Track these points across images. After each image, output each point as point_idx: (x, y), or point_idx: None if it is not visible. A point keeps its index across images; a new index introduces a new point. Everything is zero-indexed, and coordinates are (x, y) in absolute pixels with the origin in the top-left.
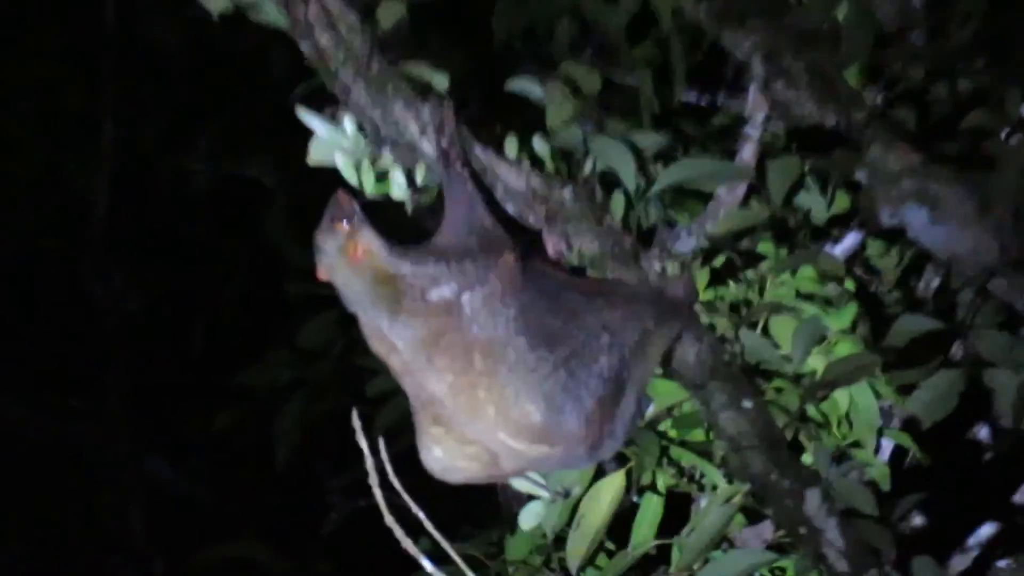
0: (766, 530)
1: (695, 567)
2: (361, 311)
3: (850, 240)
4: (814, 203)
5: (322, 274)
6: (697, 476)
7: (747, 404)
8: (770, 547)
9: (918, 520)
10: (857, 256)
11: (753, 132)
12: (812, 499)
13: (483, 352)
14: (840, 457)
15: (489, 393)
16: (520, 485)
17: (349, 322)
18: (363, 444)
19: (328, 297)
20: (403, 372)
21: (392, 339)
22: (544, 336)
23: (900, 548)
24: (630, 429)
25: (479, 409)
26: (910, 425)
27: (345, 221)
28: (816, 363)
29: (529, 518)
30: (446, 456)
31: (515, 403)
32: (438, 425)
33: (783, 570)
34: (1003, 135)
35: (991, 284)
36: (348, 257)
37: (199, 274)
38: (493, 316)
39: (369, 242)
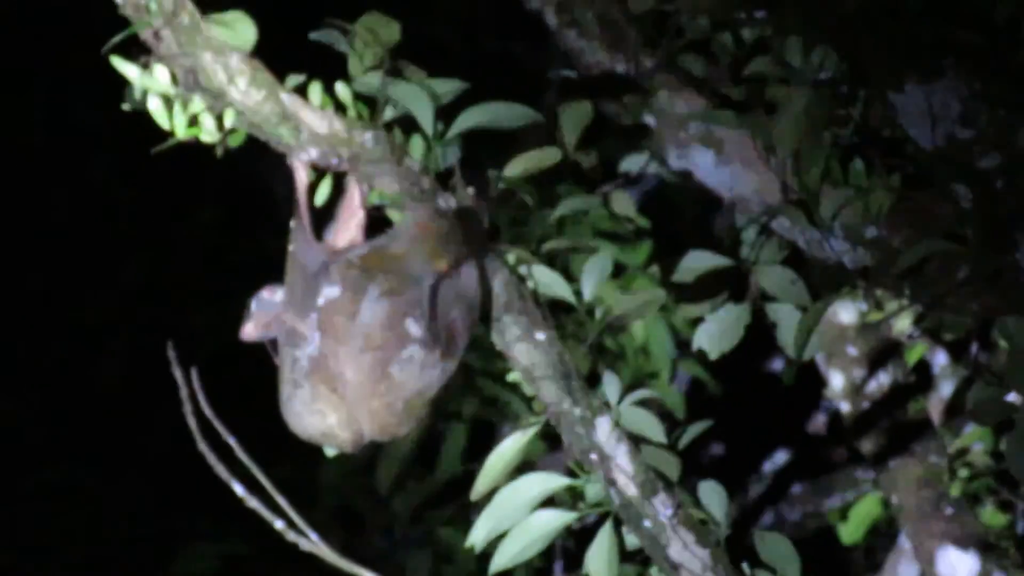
0: (566, 456)
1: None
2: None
3: (647, 182)
4: (609, 146)
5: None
6: (500, 405)
7: (540, 336)
8: (569, 472)
9: (716, 449)
10: (655, 197)
11: (553, 80)
12: (602, 427)
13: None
14: (635, 387)
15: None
16: None
17: (169, 259)
18: (177, 375)
19: (151, 237)
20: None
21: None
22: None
23: (695, 475)
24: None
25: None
26: (703, 357)
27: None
28: (611, 299)
29: None
30: (336, 424)
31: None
32: (335, 395)
33: (582, 494)
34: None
35: (774, 222)
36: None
37: (29, 216)
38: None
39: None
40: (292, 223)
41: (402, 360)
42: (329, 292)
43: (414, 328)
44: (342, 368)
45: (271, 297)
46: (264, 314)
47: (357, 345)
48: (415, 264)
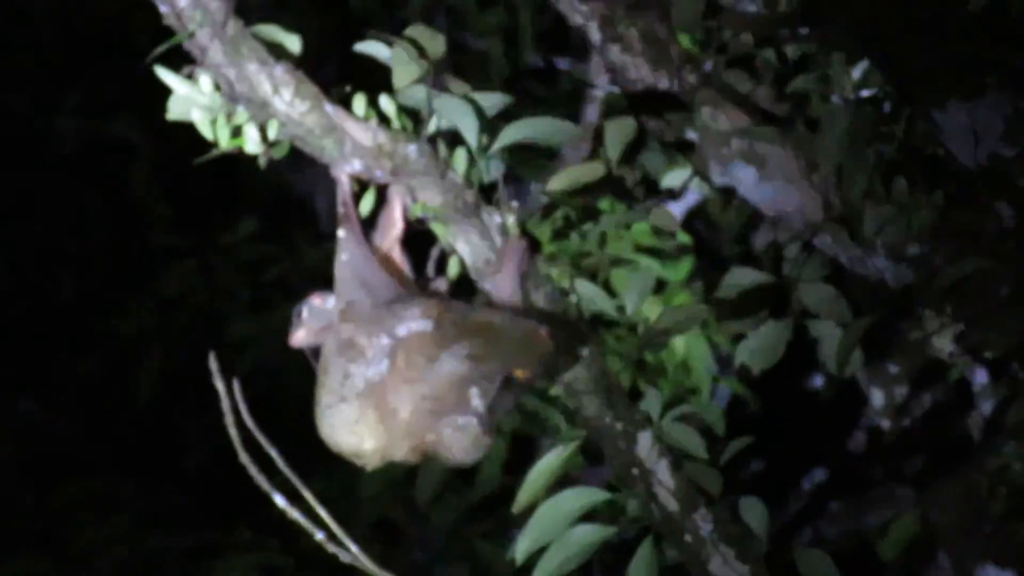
0: (607, 471)
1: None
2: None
3: (690, 197)
4: (653, 161)
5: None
6: (541, 419)
7: (582, 351)
8: (609, 487)
9: (755, 465)
10: (698, 213)
11: (595, 94)
12: (644, 441)
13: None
14: (676, 403)
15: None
16: None
17: (208, 271)
18: (219, 386)
19: (189, 248)
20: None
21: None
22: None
23: (735, 491)
24: None
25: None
26: (744, 374)
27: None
28: (653, 313)
29: None
30: (371, 450)
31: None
32: (381, 424)
33: (622, 508)
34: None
35: (816, 239)
36: None
37: (67, 228)
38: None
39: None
40: (341, 232)
41: (457, 424)
42: (416, 327)
43: (477, 402)
44: (400, 404)
45: (323, 304)
46: (316, 321)
47: (424, 390)
48: (508, 354)
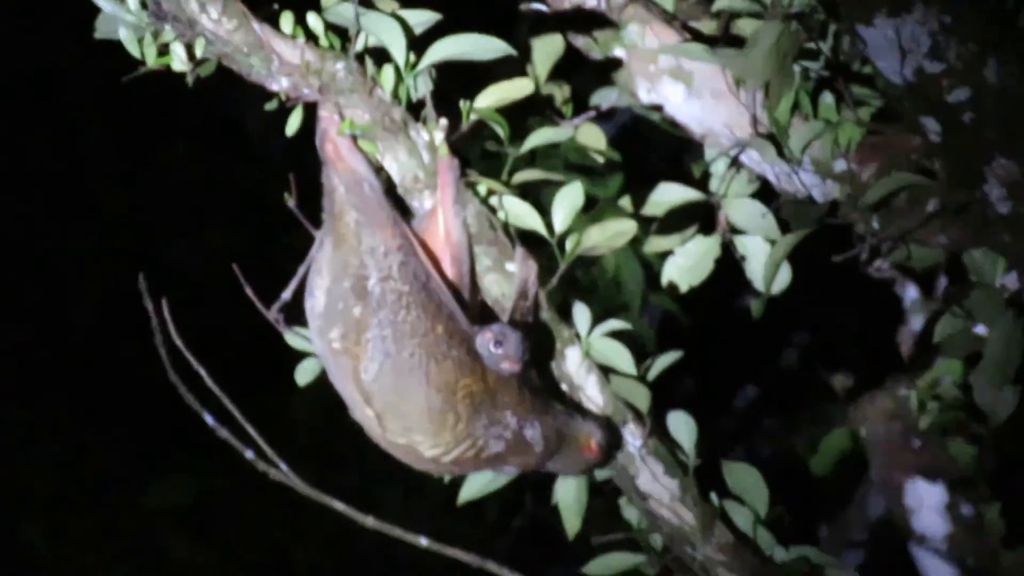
0: None
1: None
2: None
3: (619, 116)
4: (581, 79)
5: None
6: None
7: (510, 267)
8: None
9: (687, 383)
10: (627, 130)
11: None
12: (572, 357)
13: None
14: (606, 319)
15: None
16: (294, 342)
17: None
18: (150, 307)
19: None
20: None
21: None
22: None
23: (666, 409)
24: None
25: None
26: (675, 291)
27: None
28: (582, 231)
29: (304, 374)
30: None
31: None
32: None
33: None
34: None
35: (743, 156)
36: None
37: None
38: None
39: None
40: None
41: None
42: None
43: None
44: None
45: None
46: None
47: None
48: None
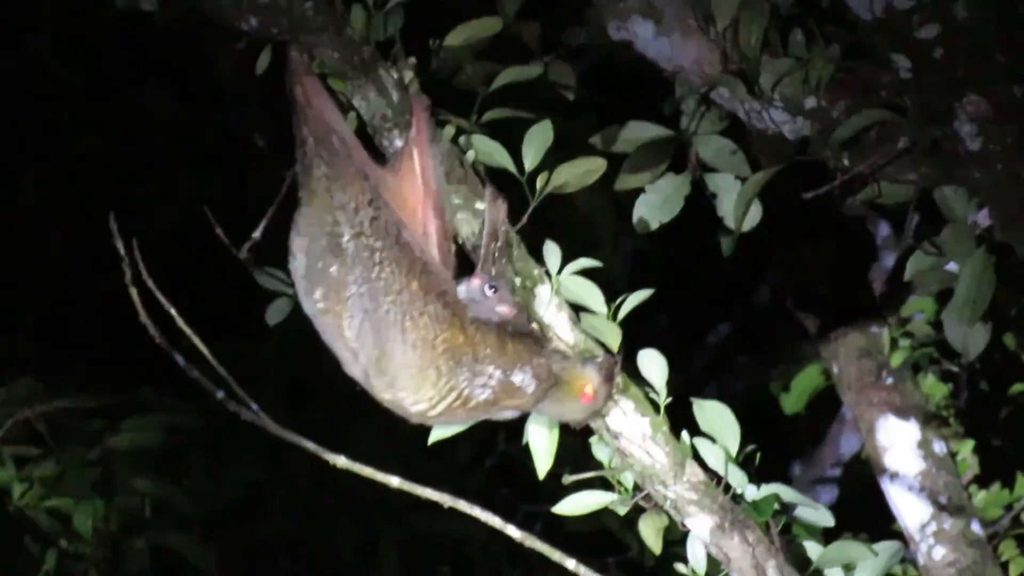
0: None
1: None
2: None
3: (590, 55)
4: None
5: None
6: None
7: (480, 206)
8: None
9: (659, 321)
10: (597, 69)
11: None
12: (542, 295)
13: None
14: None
15: None
16: (265, 282)
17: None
18: (120, 247)
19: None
20: None
21: None
22: None
23: (636, 346)
24: None
25: None
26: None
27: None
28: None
29: (275, 315)
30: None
31: None
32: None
33: None
34: None
35: (713, 93)
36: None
37: None
38: None
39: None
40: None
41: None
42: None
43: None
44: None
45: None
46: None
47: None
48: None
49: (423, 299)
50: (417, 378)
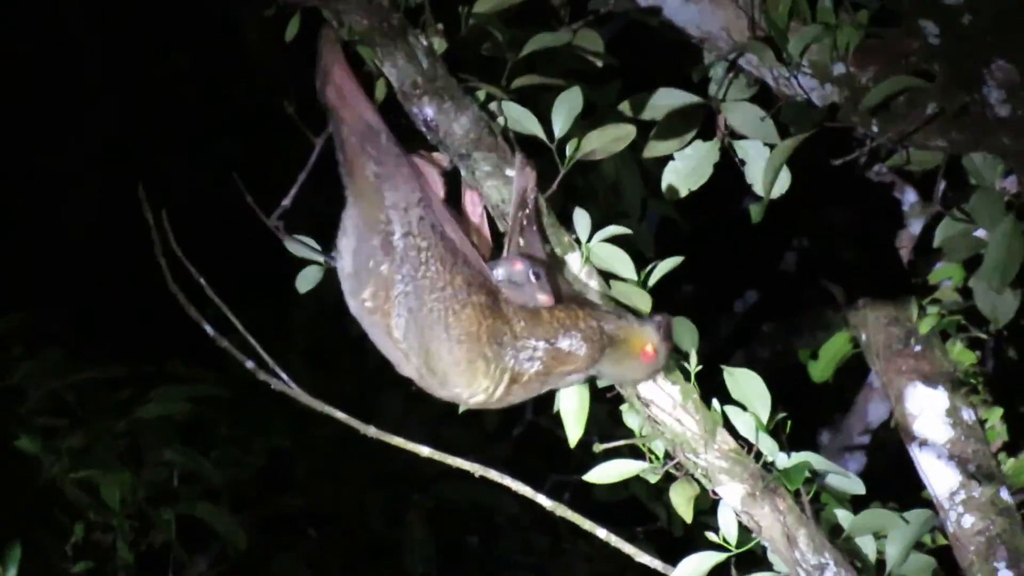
0: None
1: None
2: None
3: (617, 20)
4: None
5: None
6: None
7: (509, 172)
8: None
9: (687, 288)
10: (626, 35)
11: None
12: (573, 262)
13: None
14: (605, 225)
15: None
16: (295, 250)
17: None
18: (149, 216)
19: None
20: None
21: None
22: None
23: (665, 310)
24: None
25: None
26: (673, 196)
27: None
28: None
29: (305, 282)
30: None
31: None
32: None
33: None
34: None
35: (742, 60)
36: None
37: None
38: None
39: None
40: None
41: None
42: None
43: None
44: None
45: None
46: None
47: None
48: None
49: (467, 291)
50: (468, 372)
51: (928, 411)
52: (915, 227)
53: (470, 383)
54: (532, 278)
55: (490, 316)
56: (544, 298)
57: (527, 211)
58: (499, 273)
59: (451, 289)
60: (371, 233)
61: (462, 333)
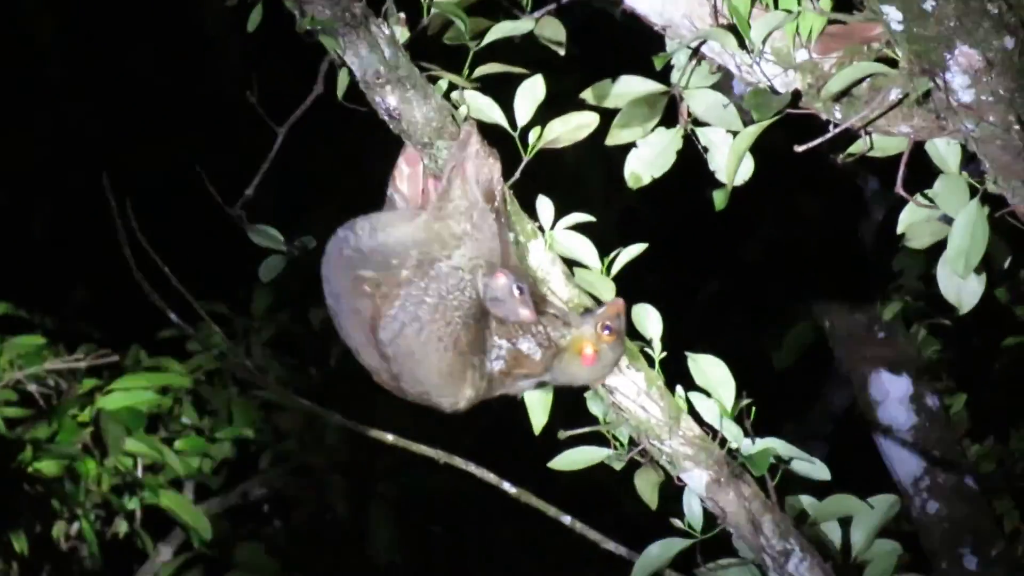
0: None
1: None
2: None
3: (580, 11)
4: None
5: None
6: None
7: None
8: None
9: (651, 277)
10: (587, 24)
11: None
12: (536, 250)
13: None
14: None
15: None
16: (257, 240)
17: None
18: (113, 205)
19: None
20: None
21: None
22: None
23: (629, 301)
24: None
25: None
26: (637, 184)
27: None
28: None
29: (268, 271)
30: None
31: None
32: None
33: None
34: None
35: (704, 47)
36: None
37: None
38: None
39: None
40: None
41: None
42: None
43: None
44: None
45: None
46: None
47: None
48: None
49: (473, 317)
50: (456, 384)
51: (892, 397)
52: (878, 214)
53: (455, 393)
54: (516, 292)
55: (475, 325)
56: (526, 313)
57: (495, 203)
58: (480, 288)
59: (454, 327)
60: (417, 248)
61: (464, 346)
